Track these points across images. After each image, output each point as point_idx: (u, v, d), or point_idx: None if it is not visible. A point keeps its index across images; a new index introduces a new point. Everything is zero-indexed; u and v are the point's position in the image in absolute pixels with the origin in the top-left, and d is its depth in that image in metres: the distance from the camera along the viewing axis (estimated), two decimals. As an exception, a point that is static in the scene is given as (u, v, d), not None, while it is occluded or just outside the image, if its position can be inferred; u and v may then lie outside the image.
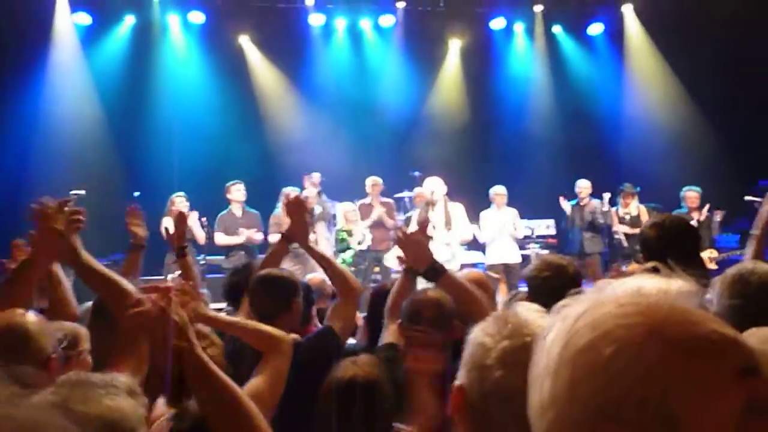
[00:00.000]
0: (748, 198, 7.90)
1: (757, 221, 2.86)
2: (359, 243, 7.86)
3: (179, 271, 3.51)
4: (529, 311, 1.10)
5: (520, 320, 1.07)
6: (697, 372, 0.62)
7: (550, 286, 2.36)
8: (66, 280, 2.65)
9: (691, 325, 0.65)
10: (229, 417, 1.39)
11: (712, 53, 9.63)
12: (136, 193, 8.46)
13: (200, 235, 7.62)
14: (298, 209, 3.18)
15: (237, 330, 2.38)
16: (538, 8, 10.91)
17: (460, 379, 1.08)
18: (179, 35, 10.37)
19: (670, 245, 2.48)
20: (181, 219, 3.47)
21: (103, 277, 1.87)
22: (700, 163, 9.57)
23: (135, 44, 10.07)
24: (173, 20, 10.29)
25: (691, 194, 7.95)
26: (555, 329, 0.70)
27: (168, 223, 7.36)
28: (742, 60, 9.23)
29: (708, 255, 7.42)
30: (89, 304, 2.97)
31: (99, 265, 1.90)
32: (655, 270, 0.86)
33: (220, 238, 7.72)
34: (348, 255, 7.80)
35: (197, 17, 10.22)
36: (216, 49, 10.37)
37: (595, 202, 8.43)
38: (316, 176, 8.21)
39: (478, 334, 1.08)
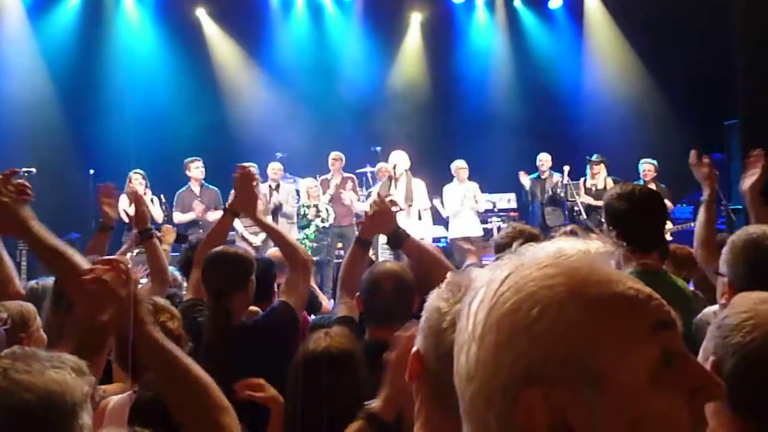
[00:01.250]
0: (702, 170, 8.08)
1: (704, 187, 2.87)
2: (322, 220, 7.80)
3: (137, 251, 3.42)
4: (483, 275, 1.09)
5: (473, 282, 1.06)
6: (615, 328, 0.64)
7: None
8: (7, 257, 2.51)
9: (609, 283, 0.67)
10: (184, 391, 1.40)
11: (669, 28, 9.75)
12: (91, 171, 8.26)
13: (157, 214, 7.47)
14: (244, 180, 3.02)
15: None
16: (499, -19, 10.90)
17: (417, 344, 1.07)
18: (132, 7, 10.05)
19: (641, 217, 2.43)
20: (137, 199, 3.32)
21: (54, 251, 1.75)
22: (657, 137, 9.73)
23: (85, 17, 9.71)
24: (126, -8, 9.96)
25: (647, 167, 8.06)
26: (479, 294, 0.70)
27: (123, 202, 7.21)
28: (699, 36, 9.37)
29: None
30: (33, 282, 2.87)
31: (51, 239, 1.80)
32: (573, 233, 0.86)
33: (178, 217, 7.59)
34: (310, 231, 7.76)
35: (151, -11, 9.91)
36: (171, 22, 10.09)
37: (556, 175, 8.51)
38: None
39: (434, 299, 1.08)
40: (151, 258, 3.04)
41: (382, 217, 2.54)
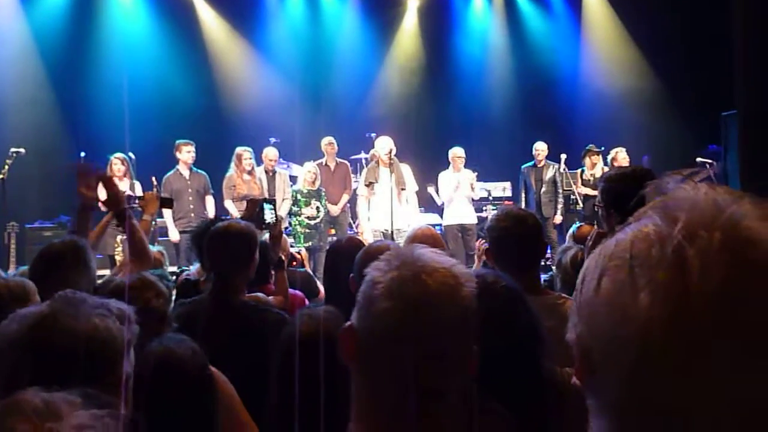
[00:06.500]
0: (699, 159, 8.07)
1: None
2: (310, 218, 7.71)
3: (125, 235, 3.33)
4: (424, 248, 1.03)
5: (412, 254, 1.01)
6: None
7: (511, 234, 2.29)
8: None
9: None
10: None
11: (667, 18, 9.69)
12: (82, 154, 8.14)
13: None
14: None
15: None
16: (497, -31, 10.79)
17: (352, 319, 1.02)
18: (125, -11, 9.90)
19: (640, 197, 2.38)
20: (107, 181, 3.14)
21: None
22: (655, 126, 9.69)
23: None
24: (119, -26, 9.81)
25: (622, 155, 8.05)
26: None
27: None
28: (698, 26, 9.31)
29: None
30: (24, 267, 2.81)
31: None
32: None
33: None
34: (303, 217, 7.70)
35: (144, -30, 9.76)
36: (165, 5, 9.94)
37: (552, 164, 8.45)
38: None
39: (370, 271, 1.02)
40: (129, 239, 2.97)
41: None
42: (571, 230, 4.22)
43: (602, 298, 0.61)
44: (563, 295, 2.45)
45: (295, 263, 4.51)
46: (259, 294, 3.11)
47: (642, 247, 0.59)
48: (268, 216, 3.54)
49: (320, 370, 1.72)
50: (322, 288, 4.16)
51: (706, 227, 0.57)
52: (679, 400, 0.56)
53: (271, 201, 3.74)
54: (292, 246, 6.14)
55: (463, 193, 8.14)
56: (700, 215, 0.58)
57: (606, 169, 8.01)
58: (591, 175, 8.17)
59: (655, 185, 0.67)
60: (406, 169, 7.55)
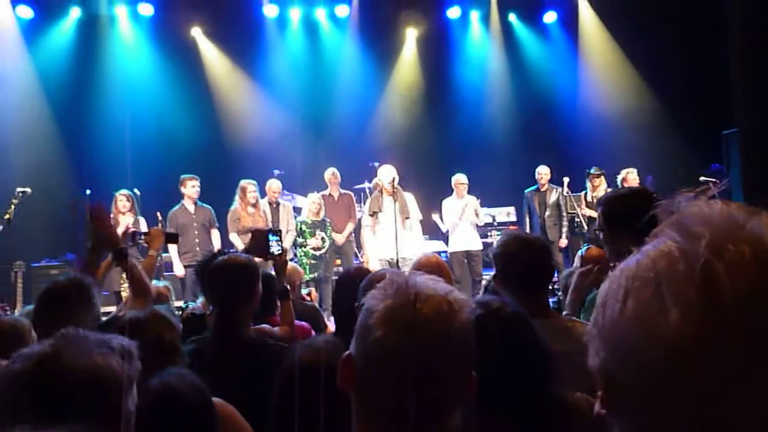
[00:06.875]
0: (703, 179, 8.06)
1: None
2: (316, 249, 7.70)
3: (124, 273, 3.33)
4: (420, 275, 1.03)
5: (407, 281, 1.01)
6: None
7: (520, 258, 2.28)
8: None
9: None
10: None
11: (665, 38, 9.77)
12: (88, 191, 8.20)
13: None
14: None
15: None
16: (493, -3, 10.94)
17: (350, 349, 1.02)
18: (128, 28, 10.07)
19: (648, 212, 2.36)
20: (99, 218, 2.98)
21: None
22: (657, 147, 9.71)
23: (81, 38, 9.75)
24: (121, 12, 9.98)
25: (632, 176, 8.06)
26: None
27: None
28: (696, 45, 9.38)
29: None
30: (30, 307, 2.81)
31: None
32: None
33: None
34: (308, 248, 7.69)
35: (146, 9, 9.93)
36: (167, 42, 10.10)
37: (555, 187, 8.45)
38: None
39: (366, 300, 1.02)
40: (129, 277, 2.96)
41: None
42: (579, 252, 4.20)
43: (628, 318, 0.60)
44: (572, 318, 2.43)
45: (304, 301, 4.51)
46: (265, 326, 3.09)
47: (666, 264, 0.59)
48: (274, 247, 3.54)
49: (319, 399, 1.71)
50: (329, 324, 4.12)
51: (733, 242, 0.57)
52: (711, 413, 0.55)
53: (277, 232, 3.75)
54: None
55: (467, 219, 8.13)
56: (721, 230, 0.58)
57: (610, 191, 8.01)
58: (594, 197, 8.17)
59: (666, 204, 0.66)
60: (409, 198, 7.56)
